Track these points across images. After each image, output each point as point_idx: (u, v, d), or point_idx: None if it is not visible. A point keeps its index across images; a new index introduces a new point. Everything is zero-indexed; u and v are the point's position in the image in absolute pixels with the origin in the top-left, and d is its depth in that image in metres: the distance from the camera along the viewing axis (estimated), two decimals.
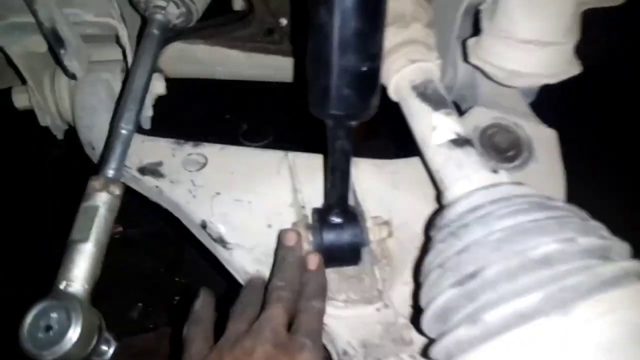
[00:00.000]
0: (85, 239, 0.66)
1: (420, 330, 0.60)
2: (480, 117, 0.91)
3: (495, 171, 0.65)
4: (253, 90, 1.69)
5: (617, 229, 0.56)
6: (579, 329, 0.45)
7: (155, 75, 0.98)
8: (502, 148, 0.88)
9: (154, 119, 1.02)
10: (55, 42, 0.81)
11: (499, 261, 0.49)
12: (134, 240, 1.88)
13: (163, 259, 1.87)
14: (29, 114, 0.99)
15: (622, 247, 0.52)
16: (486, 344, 0.47)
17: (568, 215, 0.53)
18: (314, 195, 0.85)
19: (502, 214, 0.54)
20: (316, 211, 0.78)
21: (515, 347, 0.46)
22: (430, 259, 0.57)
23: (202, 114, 2.36)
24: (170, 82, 1.05)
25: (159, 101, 1.05)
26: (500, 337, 0.47)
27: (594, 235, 0.51)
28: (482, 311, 0.49)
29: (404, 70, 0.78)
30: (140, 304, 1.74)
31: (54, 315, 0.61)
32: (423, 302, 0.57)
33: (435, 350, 0.54)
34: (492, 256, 0.50)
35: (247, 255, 0.80)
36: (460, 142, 0.69)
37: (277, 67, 1.22)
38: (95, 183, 0.69)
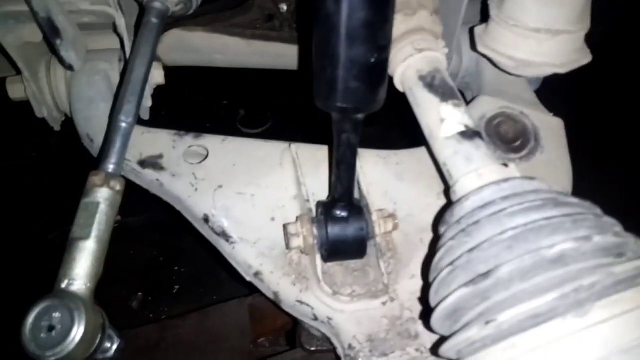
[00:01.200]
0: (86, 236, 0.64)
1: (429, 327, 0.59)
2: (486, 106, 0.90)
3: (505, 164, 0.63)
4: (250, 75, 1.67)
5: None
6: (595, 331, 0.44)
7: (155, 65, 0.95)
8: (508, 138, 0.87)
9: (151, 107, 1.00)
10: (51, 32, 0.78)
11: (512, 260, 0.48)
12: (134, 229, 1.87)
13: (163, 248, 1.86)
14: (24, 105, 0.97)
15: (637, 243, 0.51)
16: (499, 345, 0.47)
17: (582, 212, 0.52)
18: (318, 187, 0.83)
19: (514, 211, 0.52)
20: (321, 204, 0.77)
21: (529, 349, 0.45)
22: (441, 256, 0.56)
23: (199, 100, 2.34)
24: (166, 69, 1.03)
25: (156, 89, 1.03)
26: (514, 338, 0.46)
27: (608, 232, 0.50)
28: (495, 311, 0.48)
29: (411, 59, 0.76)
30: (140, 294, 1.73)
31: (56, 315, 0.59)
32: (433, 300, 0.56)
33: (446, 349, 0.53)
34: (505, 255, 0.49)
35: (251, 249, 0.79)
36: (469, 134, 0.67)
37: (278, 55, 1.19)
38: (95, 178, 0.67)
